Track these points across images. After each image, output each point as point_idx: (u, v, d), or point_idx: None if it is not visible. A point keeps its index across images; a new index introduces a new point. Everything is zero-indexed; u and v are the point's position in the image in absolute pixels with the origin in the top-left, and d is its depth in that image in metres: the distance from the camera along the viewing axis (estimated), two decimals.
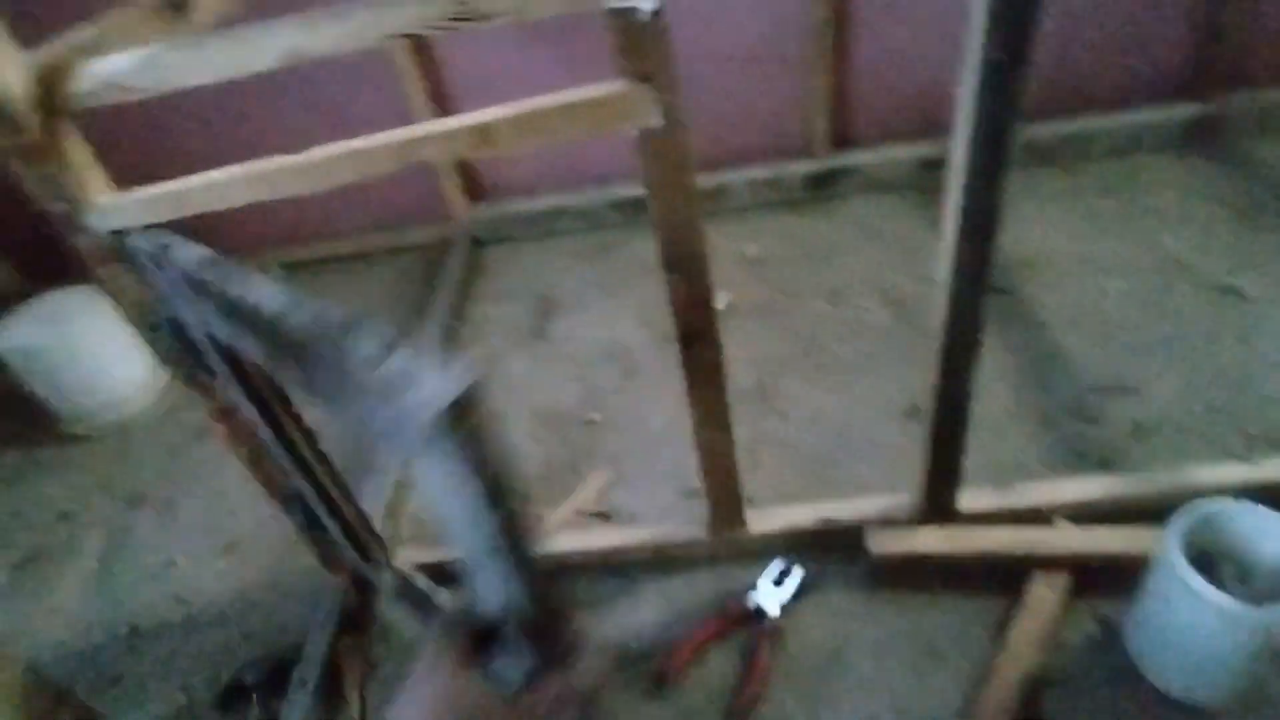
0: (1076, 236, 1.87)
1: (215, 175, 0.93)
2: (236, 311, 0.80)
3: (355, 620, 1.38)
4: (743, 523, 1.33)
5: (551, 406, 1.75)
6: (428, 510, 1.58)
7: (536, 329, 1.98)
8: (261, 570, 1.54)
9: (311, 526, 1.30)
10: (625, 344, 1.88)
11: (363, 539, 1.29)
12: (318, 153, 0.92)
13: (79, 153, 0.91)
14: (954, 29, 2.05)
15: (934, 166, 2.14)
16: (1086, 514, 1.27)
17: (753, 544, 1.34)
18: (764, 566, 1.31)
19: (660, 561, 1.37)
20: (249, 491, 1.69)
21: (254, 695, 1.31)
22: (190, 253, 0.87)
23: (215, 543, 1.62)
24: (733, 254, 2.06)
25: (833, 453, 1.52)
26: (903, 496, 1.32)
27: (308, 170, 0.93)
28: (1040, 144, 2.07)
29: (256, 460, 1.21)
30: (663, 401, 1.70)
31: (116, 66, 0.84)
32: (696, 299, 1.03)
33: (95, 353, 1.89)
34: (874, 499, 1.34)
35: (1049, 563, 1.21)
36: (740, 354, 1.74)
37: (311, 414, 1.14)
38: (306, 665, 1.29)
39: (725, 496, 1.29)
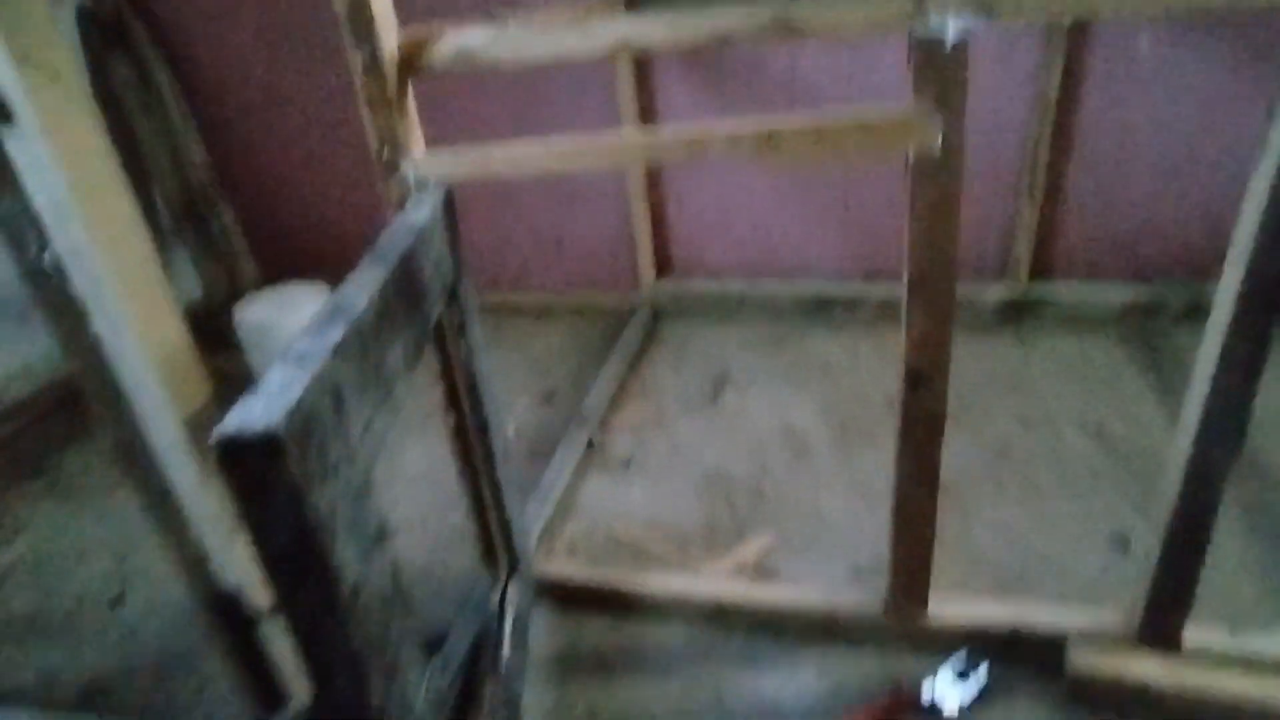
0: None
1: (516, 146, 1.04)
2: None
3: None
4: (924, 607, 1.23)
5: (720, 471, 1.74)
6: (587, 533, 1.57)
7: (709, 398, 2.00)
8: (417, 561, 1.57)
9: (481, 515, 1.32)
10: (799, 428, 1.85)
11: (495, 549, 1.30)
12: (608, 137, 1.02)
13: (412, 111, 1.06)
14: (1175, 173, 2.04)
15: (1137, 310, 2.06)
16: None
17: (932, 633, 1.23)
18: (939, 661, 1.19)
19: (824, 631, 1.28)
20: (417, 486, 1.78)
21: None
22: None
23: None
24: None
25: (1021, 569, 1.40)
26: (1114, 616, 1.18)
27: (597, 151, 1.03)
28: None
29: (455, 435, 1.26)
30: (836, 488, 1.64)
31: (472, 38, 0.99)
32: (934, 337, 1.02)
33: None
34: (1078, 610, 1.21)
35: None
36: None
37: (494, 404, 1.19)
38: (450, 652, 1.27)
39: (912, 570, 1.20)
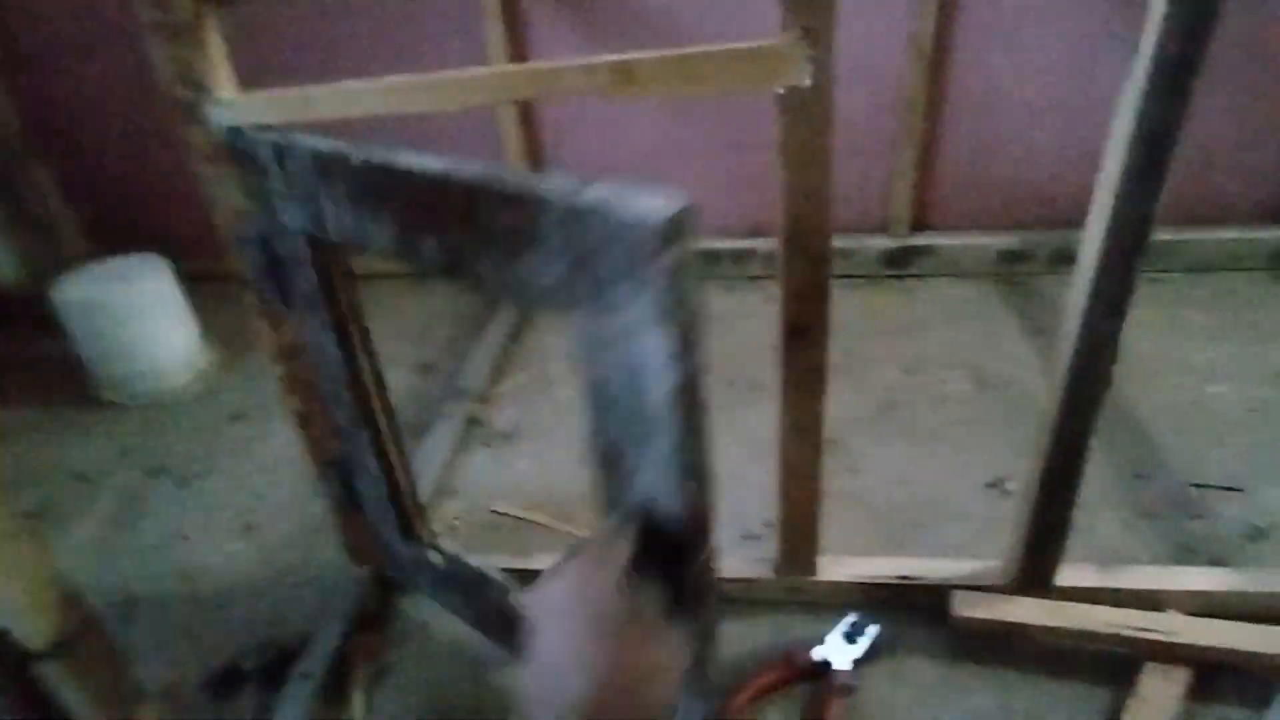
0: (1176, 343, 1.79)
1: (347, 84, 0.90)
2: (382, 183, 0.75)
3: (373, 618, 1.25)
4: (813, 568, 1.20)
5: None
6: (483, 494, 1.47)
7: None
8: (278, 556, 1.42)
9: (347, 502, 1.19)
10: None
11: (408, 512, 1.18)
12: (453, 74, 0.89)
13: (216, 44, 0.90)
14: (1043, 120, 2.07)
15: (1012, 258, 2.11)
16: (1203, 607, 1.13)
17: (822, 593, 1.21)
18: (832, 621, 1.17)
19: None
20: (276, 476, 1.62)
21: (249, 683, 1.17)
22: (320, 140, 0.84)
23: (233, 523, 1.51)
24: None
25: (909, 516, 1.40)
26: (993, 563, 1.19)
27: (441, 89, 0.90)
28: None
29: (308, 415, 1.13)
30: (724, 444, 1.59)
31: None
32: (812, 286, 0.96)
33: (145, 319, 1.85)
34: (959, 562, 1.21)
35: (1167, 654, 1.06)
36: None
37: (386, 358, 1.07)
38: (312, 659, 1.15)
39: (800, 530, 1.17)
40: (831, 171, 0.89)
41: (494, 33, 2.00)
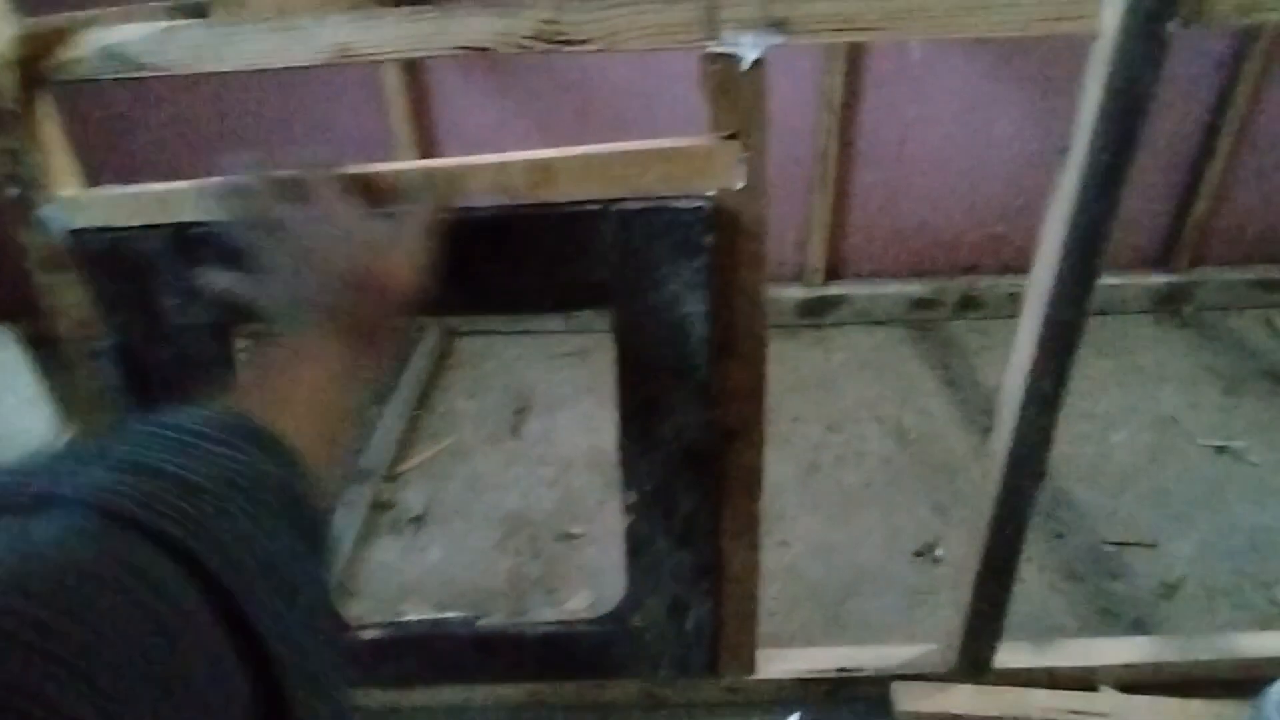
0: (1078, 391, 1.84)
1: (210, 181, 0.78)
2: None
3: None
4: (753, 666, 1.15)
5: (526, 513, 1.56)
6: None
7: (511, 426, 1.81)
8: None
9: None
10: (609, 452, 1.72)
11: None
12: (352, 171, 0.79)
13: (52, 134, 0.76)
14: (946, 172, 2.12)
15: (924, 305, 2.15)
16: (1132, 680, 1.14)
17: (763, 692, 1.15)
18: (770, 717, 1.12)
19: (650, 705, 1.16)
20: None
21: None
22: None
23: None
24: None
25: (843, 588, 1.37)
26: (931, 646, 1.17)
27: None
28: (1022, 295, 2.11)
29: None
30: None
31: (127, 35, 0.71)
32: (748, 388, 0.91)
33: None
34: (898, 648, 1.18)
35: None
36: None
37: None
38: None
39: (739, 632, 1.11)
40: (766, 275, 0.84)
41: (397, 113, 1.88)
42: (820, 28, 0.73)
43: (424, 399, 1.90)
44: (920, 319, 2.16)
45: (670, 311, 0.79)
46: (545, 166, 0.77)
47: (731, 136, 0.77)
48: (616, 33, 0.72)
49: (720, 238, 0.79)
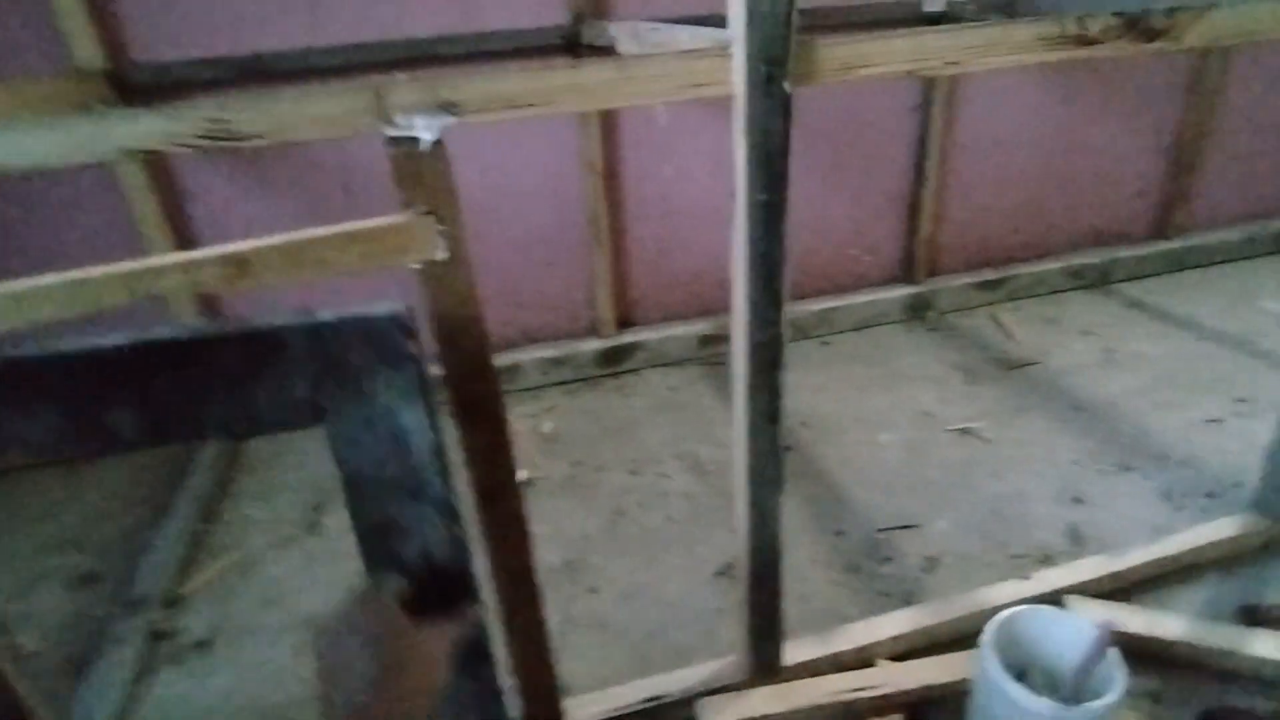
0: (842, 397, 2.05)
1: None
2: (34, 375, 0.65)
3: None
4: (560, 715, 1.15)
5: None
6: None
7: (309, 525, 1.73)
8: None
9: None
10: None
11: None
12: (37, 280, 0.76)
13: None
14: (705, 220, 2.31)
15: (710, 341, 2.31)
16: (904, 650, 1.27)
17: None
18: None
19: None
20: None
21: None
22: None
23: None
24: (529, 432, 2.00)
25: (650, 625, 1.41)
26: (728, 660, 1.23)
27: (20, 299, 0.76)
28: (798, 322, 2.33)
29: None
30: None
31: None
32: (492, 448, 0.94)
33: None
34: (699, 667, 1.24)
35: (881, 707, 1.16)
36: (544, 532, 1.63)
37: None
38: None
39: (538, 687, 1.11)
40: (487, 338, 0.88)
41: (145, 213, 1.80)
42: (487, 107, 0.80)
43: (208, 511, 1.77)
44: (710, 354, 2.31)
45: (386, 425, 0.72)
46: (240, 260, 0.78)
47: (429, 213, 0.82)
48: (286, 126, 0.75)
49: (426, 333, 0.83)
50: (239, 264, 0.77)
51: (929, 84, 2.22)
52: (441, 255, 0.83)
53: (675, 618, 1.43)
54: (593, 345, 2.23)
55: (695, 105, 2.10)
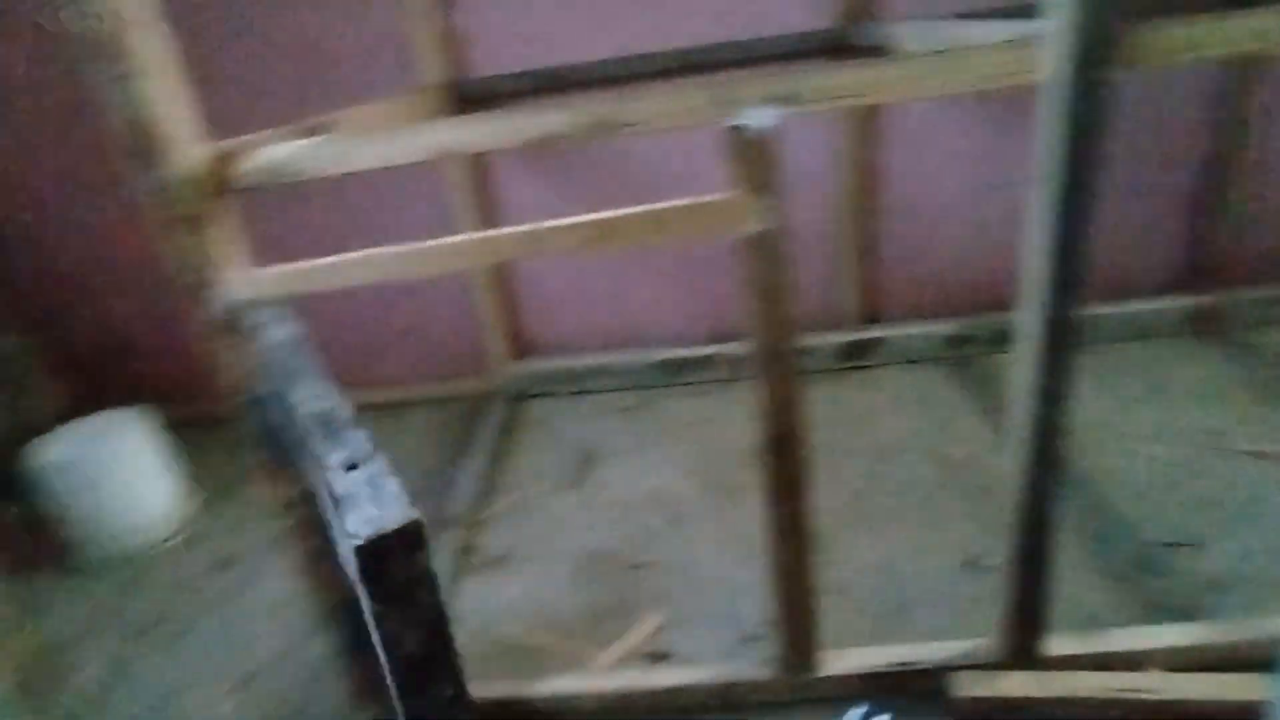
0: (1112, 410, 1.93)
1: (338, 258, 1.00)
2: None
3: None
4: (816, 664, 1.25)
5: (596, 550, 1.70)
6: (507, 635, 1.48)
7: (578, 478, 1.97)
8: (278, 707, 1.40)
9: (356, 645, 1.20)
10: (671, 492, 1.86)
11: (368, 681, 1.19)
12: (444, 241, 1.00)
13: (228, 229, 0.99)
14: (963, 217, 2.26)
15: (958, 342, 2.27)
16: (1179, 662, 1.21)
17: (827, 688, 1.25)
18: (837, 712, 1.21)
19: (726, 705, 1.26)
20: (269, 623, 1.61)
21: None
22: (278, 331, 0.92)
23: (226, 677, 1.49)
24: None
25: (892, 600, 1.46)
26: (982, 641, 1.25)
27: (433, 256, 1.00)
28: None
29: (315, 561, 1.16)
30: (714, 547, 1.66)
31: (285, 151, 0.94)
32: (785, 400, 1.06)
33: (123, 476, 1.85)
34: (949, 643, 1.27)
35: (1155, 712, 1.12)
36: None
37: None
38: None
39: (800, 630, 1.22)
40: (792, 300, 1.00)
41: (460, 195, 2.15)
42: (818, 98, 0.92)
43: (496, 456, 2.08)
44: (956, 355, 2.27)
45: None
46: (604, 225, 0.96)
47: (753, 191, 0.95)
48: (655, 117, 0.92)
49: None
50: (605, 228, 0.96)
51: (1239, 66, 2.01)
52: (764, 228, 0.96)
53: (918, 597, 1.46)
54: (836, 338, 2.29)
55: (956, 104, 2.09)
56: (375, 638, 0.59)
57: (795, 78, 0.91)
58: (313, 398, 0.79)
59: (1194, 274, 2.26)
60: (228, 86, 2.02)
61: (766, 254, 0.98)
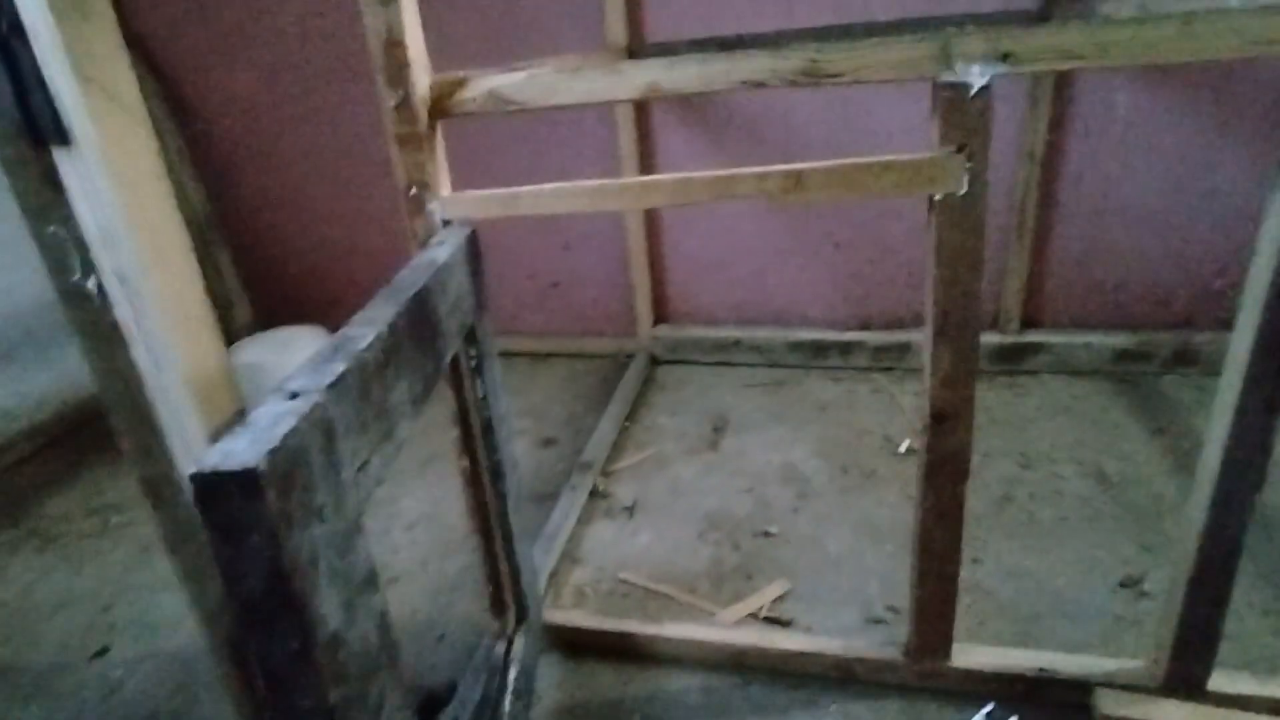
0: None
1: (543, 187, 1.05)
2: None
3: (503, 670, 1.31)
4: (947, 654, 1.21)
5: (724, 514, 1.72)
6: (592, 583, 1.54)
7: (710, 441, 1.99)
8: (419, 608, 1.51)
9: (510, 556, 1.28)
10: (801, 469, 1.85)
11: (504, 597, 1.26)
12: (638, 180, 1.03)
13: (441, 152, 1.07)
14: (1153, 224, 2.09)
15: (1128, 357, 2.10)
16: None
17: (956, 681, 1.21)
18: (964, 710, 1.17)
19: (844, 680, 1.25)
20: (414, 534, 1.73)
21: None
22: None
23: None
24: (917, 409, 2.04)
25: (1035, 608, 1.39)
26: (1135, 662, 1.17)
27: (626, 192, 1.04)
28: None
29: (475, 475, 1.23)
30: (842, 529, 1.63)
31: (502, 81, 1.00)
32: (959, 374, 1.03)
33: None
34: (1102, 659, 1.20)
35: None
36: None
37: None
38: (460, 705, 1.22)
39: (935, 615, 1.18)
40: (983, 270, 0.97)
41: (626, 140, 2.20)
42: (1040, 58, 0.87)
43: (632, 413, 2.13)
44: (1125, 371, 2.11)
45: None
46: (798, 176, 0.96)
47: (958, 150, 0.92)
48: (864, 67, 0.91)
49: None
50: (797, 179, 0.96)
51: None
52: (963, 190, 0.93)
53: (1065, 610, 1.38)
54: (992, 339, 2.18)
55: (1163, 96, 1.92)
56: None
57: (1019, 33, 0.87)
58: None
59: None
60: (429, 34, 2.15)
61: (964, 219, 0.95)
